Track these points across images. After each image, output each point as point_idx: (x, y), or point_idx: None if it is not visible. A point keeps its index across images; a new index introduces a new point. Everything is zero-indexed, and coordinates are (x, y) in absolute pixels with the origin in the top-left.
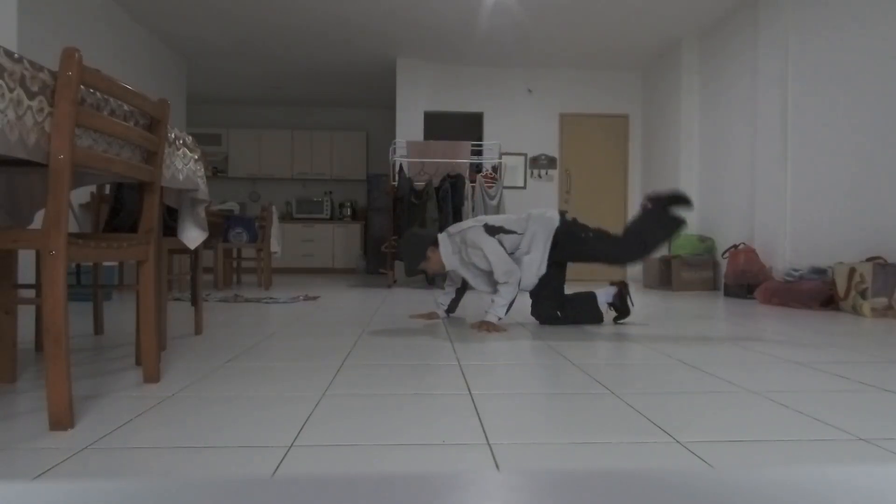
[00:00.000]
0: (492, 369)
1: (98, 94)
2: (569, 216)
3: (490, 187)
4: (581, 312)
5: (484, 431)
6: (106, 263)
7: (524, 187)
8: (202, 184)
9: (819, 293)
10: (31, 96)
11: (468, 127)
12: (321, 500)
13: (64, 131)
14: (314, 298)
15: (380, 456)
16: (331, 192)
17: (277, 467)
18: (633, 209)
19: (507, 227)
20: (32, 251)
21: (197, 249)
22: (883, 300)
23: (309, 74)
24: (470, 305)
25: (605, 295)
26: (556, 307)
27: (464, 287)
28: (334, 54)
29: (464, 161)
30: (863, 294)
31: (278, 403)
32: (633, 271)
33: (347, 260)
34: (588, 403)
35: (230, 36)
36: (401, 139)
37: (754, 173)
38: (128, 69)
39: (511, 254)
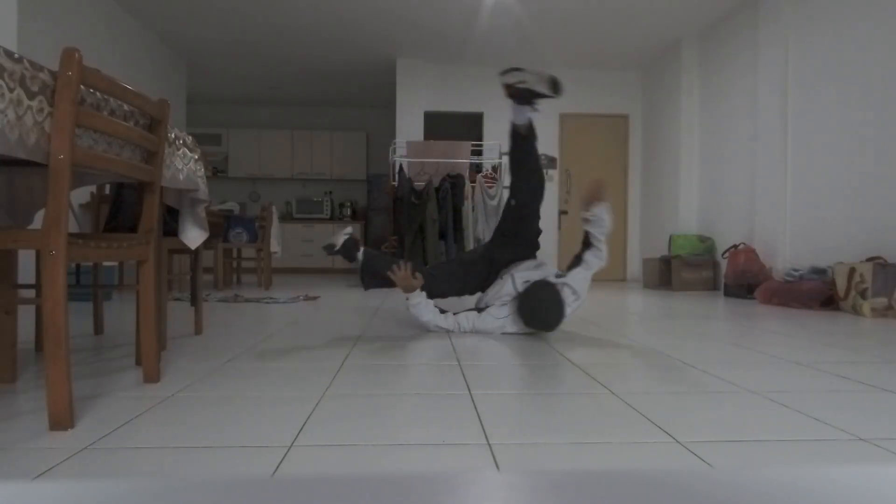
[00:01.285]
0: (492, 369)
1: (98, 94)
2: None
3: (490, 187)
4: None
5: (484, 431)
6: (106, 263)
7: None
8: (202, 184)
9: (819, 293)
10: (31, 96)
11: (468, 127)
12: (321, 500)
13: (64, 131)
14: (314, 298)
15: (380, 456)
16: (331, 192)
17: (277, 467)
18: (633, 209)
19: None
20: (32, 251)
21: (197, 249)
22: (883, 300)
23: (309, 74)
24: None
25: (520, 114)
26: (529, 195)
27: None
28: (334, 54)
29: (464, 161)
30: (863, 294)
31: (278, 403)
32: (634, 272)
33: None
34: (588, 403)
35: (230, 36)
36: (401, 139)
37: (754, 173)
38: (128, 69)
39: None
